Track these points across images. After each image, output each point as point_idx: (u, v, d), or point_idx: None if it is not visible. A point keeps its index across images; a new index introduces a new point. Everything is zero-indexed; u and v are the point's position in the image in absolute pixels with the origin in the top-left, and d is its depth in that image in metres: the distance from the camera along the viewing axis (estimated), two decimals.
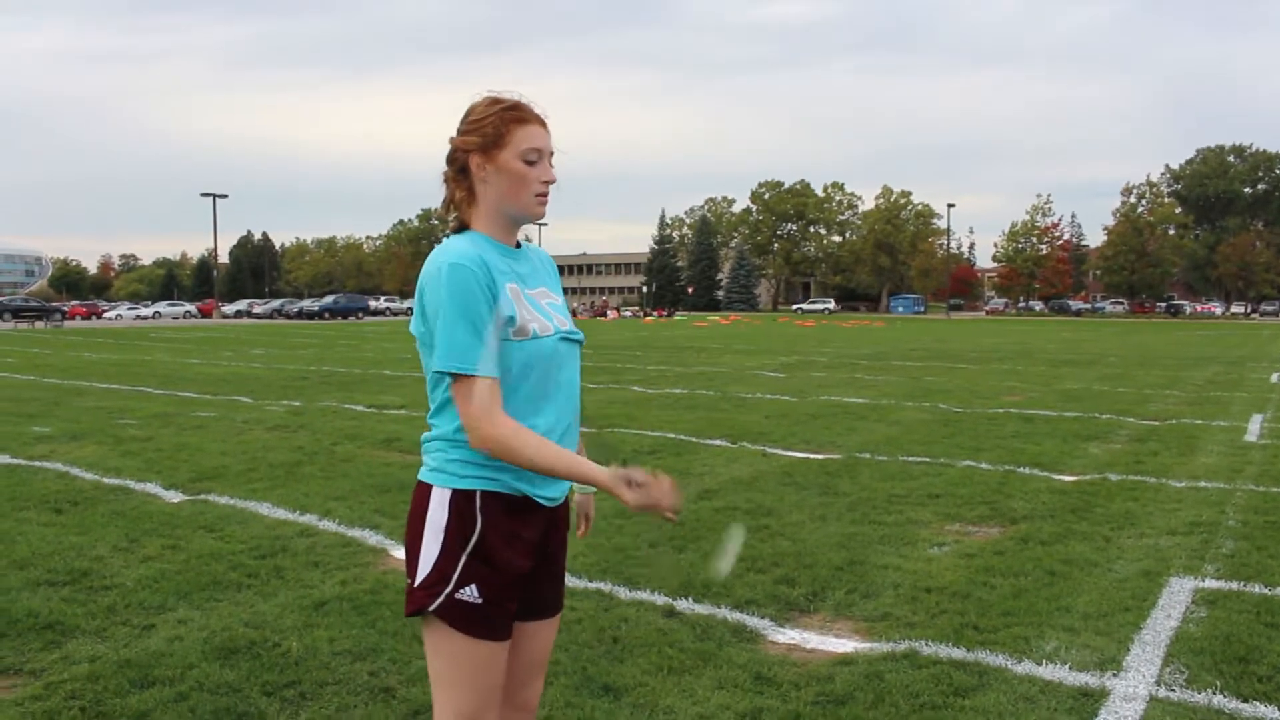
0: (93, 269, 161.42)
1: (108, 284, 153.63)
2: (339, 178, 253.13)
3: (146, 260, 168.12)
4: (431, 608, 2.19)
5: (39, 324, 55.41)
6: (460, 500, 2.20)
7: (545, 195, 2.28)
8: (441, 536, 2.19)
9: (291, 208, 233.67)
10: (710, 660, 4.07)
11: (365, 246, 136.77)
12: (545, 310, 2.28)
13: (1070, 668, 3.99)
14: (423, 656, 4.07)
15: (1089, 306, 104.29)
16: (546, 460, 2.13)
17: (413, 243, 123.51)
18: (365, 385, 16.46)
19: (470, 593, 2.18)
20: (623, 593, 4.96)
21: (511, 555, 2.22)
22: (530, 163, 2.24)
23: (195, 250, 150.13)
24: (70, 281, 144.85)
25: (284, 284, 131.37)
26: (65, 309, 72.56)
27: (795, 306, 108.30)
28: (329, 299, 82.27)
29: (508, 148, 2.22)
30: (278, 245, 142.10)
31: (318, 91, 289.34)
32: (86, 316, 74.49)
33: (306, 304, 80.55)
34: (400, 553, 5.66)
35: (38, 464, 8.62)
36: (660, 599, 4.85)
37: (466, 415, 2.12)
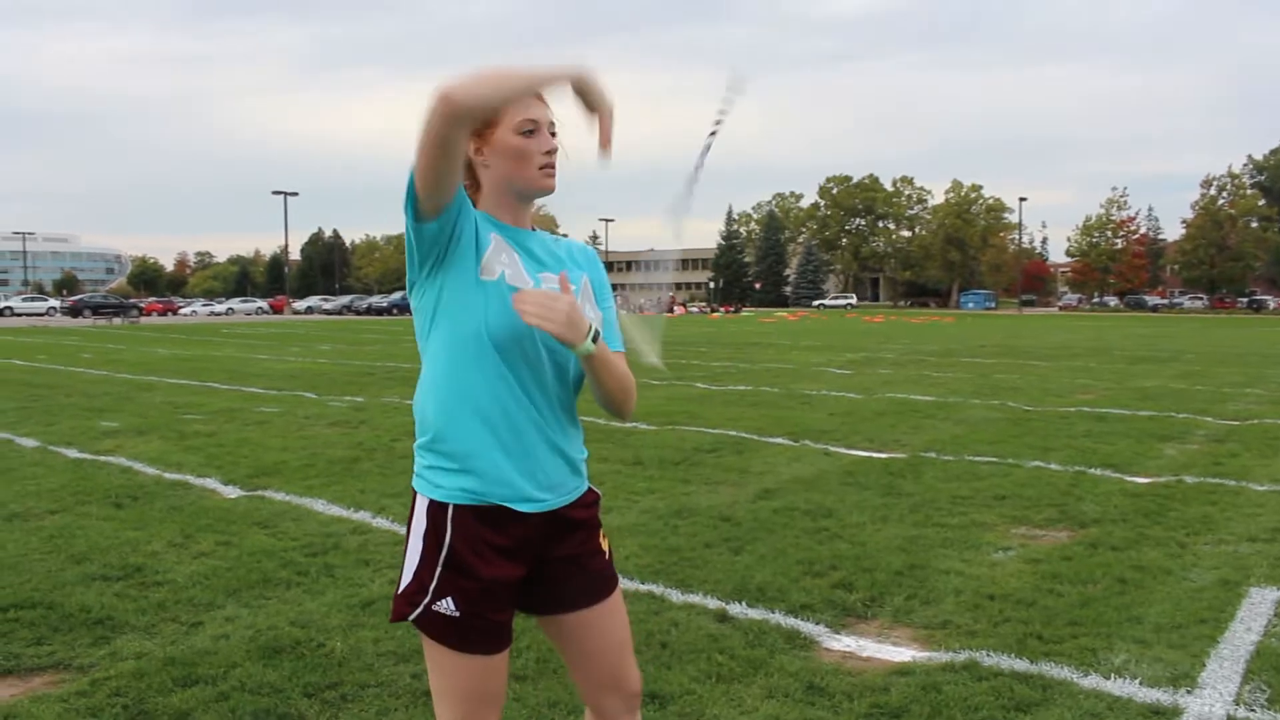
0: (169, 266, 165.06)
1: (183, 281, 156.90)
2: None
3: (221, 257, 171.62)
4: (411, 617, 2.14)
5: (115, 320, 56.67)
6: (435, 510, 2.13)
7: (551, 166, 2.16)
8: (421, 545, 2.14)
9: (361, 205, 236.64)
10: (761, 668, 3.94)
11: None
12: (539, 282, 2.15)
13: (1141, 683, 3.78)
14: None
15: (1166, 302, 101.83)
16: (517, 80, 1.99)
17: None
18: None
19: (447, 605, 2.11)
20: (675, 596, 4.85)
21: (486, 566, 2.11)
22: (528, 134, 2.13)
23: (268, 247, 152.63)
24: (148, 278, 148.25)
25: (354, 280, 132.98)
26: (142, 305, 74.39)
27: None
28: (397, 295, 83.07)
29: (501, 124, 2.12)
30: (348, 242, 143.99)
31: (384, 90, 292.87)
32: (162, 313, 76.10)
33: (375, 300, 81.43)
34: None
35: (103, 458, 8.72)
36: (713, 603, 4.73)
37: (430, 104, 1.90)
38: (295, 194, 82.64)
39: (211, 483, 7.60)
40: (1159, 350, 26.47)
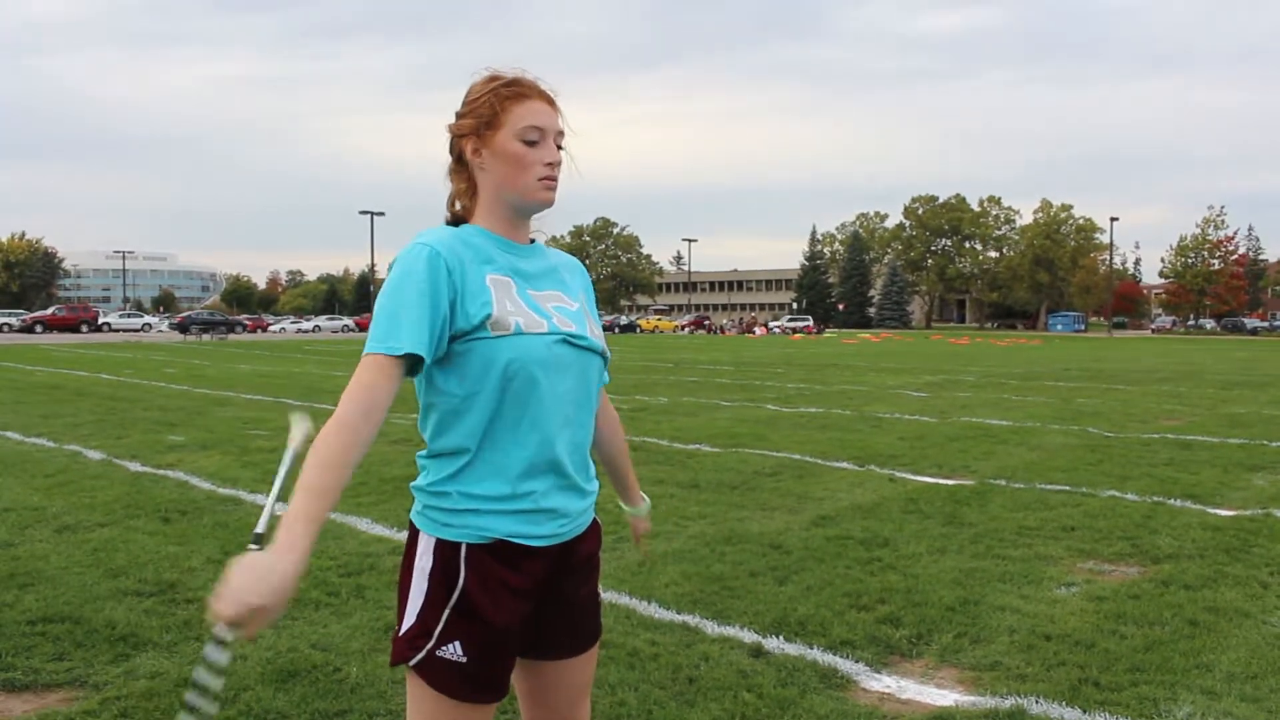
0: (261, 284, 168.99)
1: (274, 298, 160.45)
2: None
3: (311, 276, 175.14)
4: (413, 662, 1.94)
5: (205, 336, 58.02)
6: (446, 551, 1.94)
7: (551, 179, 2.01)
8: (426, 585, 1.95)
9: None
10: (789, 709, 3.70)
11: None
12: (545, 310, 1.99)
13: None
14: None
15: (1266, 325, 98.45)
16: (299, 488, 1.78)
17: None
18: None
19: (454, 650, 1.92)
20: (710, 628, 4.62)
21: (500, 611, 1.95)
22: (530, 143, 1.98)
23: (357, 266, 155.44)
24: (240, 296, 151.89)
25: None
26: (247, 322, 76.33)
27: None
28: None
29: (504, 128, 1.97)
30: None
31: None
32: (252, 330, 77.80)
33: None
34: None
35: (162, 472, 8.77)
36: (749, 636, 4.50)
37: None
38: (382, 214, 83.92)
39: (262, 499, 7.56)
40: (1255, 375, 25.43)
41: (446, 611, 1.93)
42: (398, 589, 2.01)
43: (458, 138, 2.02)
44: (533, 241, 2.10)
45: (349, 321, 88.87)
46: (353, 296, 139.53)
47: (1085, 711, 3.68)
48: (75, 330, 65.01)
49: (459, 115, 2.03)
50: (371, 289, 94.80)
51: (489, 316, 1.90)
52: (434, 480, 1.98)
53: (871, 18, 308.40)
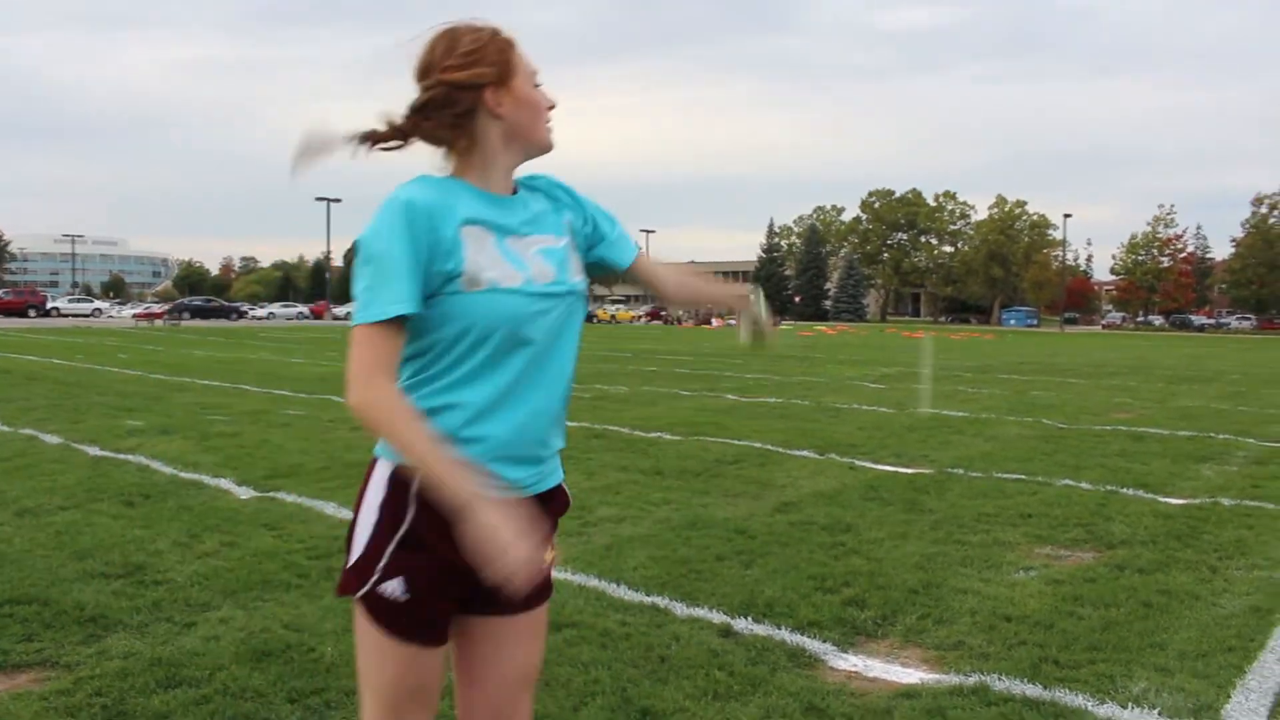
0: (214, 270, 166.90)
1: (227, 285, 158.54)
2: None
3: (265, 262, 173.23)
4: (358, 594, 1.93)
5: (158, 322, 57.31)
6: (398, 481, 1.92)
7: (551, 123, 2.05)
8: (375, 517, 1.94)
9: None
10: (760, 687, 3.78)
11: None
12: (523, 260, 1.96)
13: (1160, 713, 3.59)
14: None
15: (1213, 321, 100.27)
16: (416, 454, 1.82)
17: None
18: None
19: (395, 587, 1.90)
20: (679, 609, 4.70)
21: (446, 548, 1.89)
22: (537, 86, 2.02)
23: (312, 254, 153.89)
24: (192, 282, 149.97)
25: None
26: (244, 309, 75.23)
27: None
28: None
29: (518, 74, 1.97)
30: None
31: None
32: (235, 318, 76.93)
33: None
34: None
35: (123, 456, 8.70)
36: (718, 617, 4.58)
37: (346, 371, 1.85)
38: (338, 200, 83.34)
39: (225, 483, 7.54)
40: (1203, 370, 25.95)
41: (392, 545, 1.91)
42: (350, 523, 2.00)
43: (472, 89, 1.94)
44: (515, 191, 2.06)
45: (304, 309, 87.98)
46: (308, 284, 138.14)
47: (1046, 688, 3.79)
48: (22, 315, 63.87)
49: (460, 65, 1.94)
50: (328, 276, 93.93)
51: (460, 270, 1.88)
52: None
53: (837, 12, 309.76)
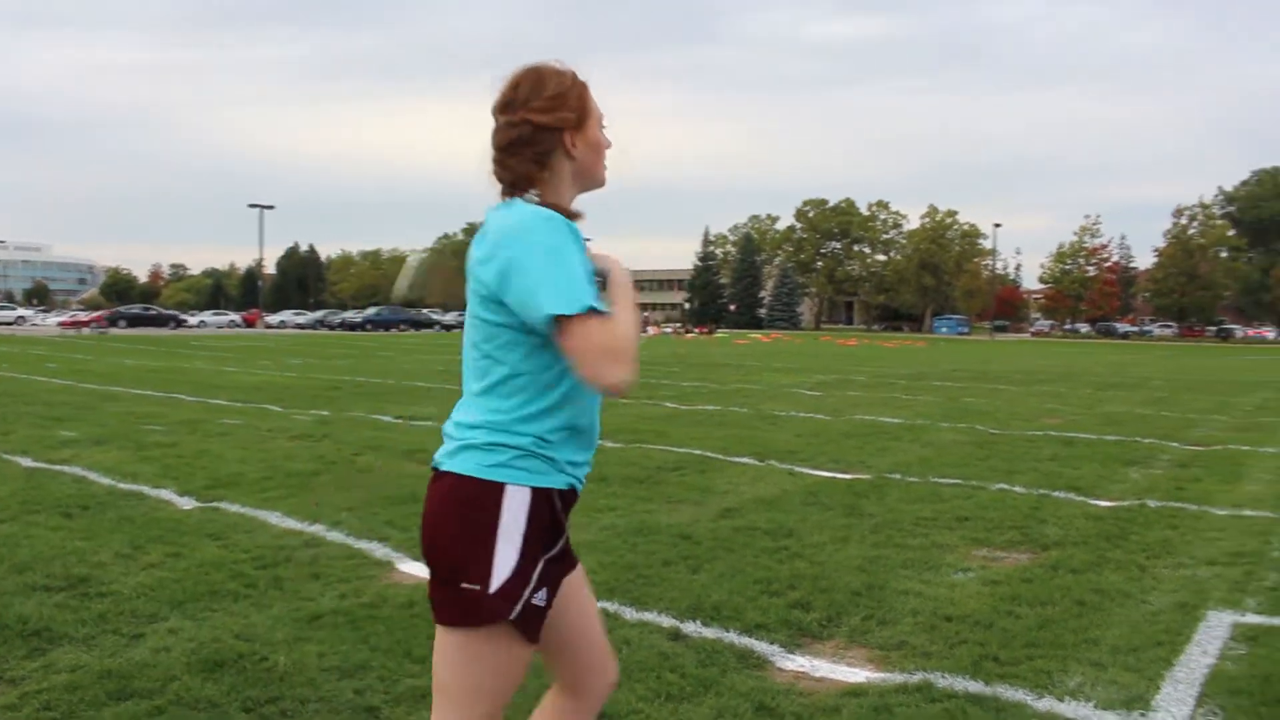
0: (143, 278, 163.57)
1: (156, 292, 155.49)
2: (385, 190, 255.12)
3: (196, 270, 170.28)
4: (511, 616, 2.02)
5: (85, 330, 56.11)
6: (540, 499, 2.05)
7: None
8: (520, 539, 2.02)
9: (338, 220, 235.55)
10: (712, 688, 3.86)
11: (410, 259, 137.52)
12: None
13: (1095, 705, 3.74)
14: (412, 675, 3.93)
15: (1136, 329, 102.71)
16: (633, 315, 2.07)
17: (457, 255, 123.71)
18: (397, 396, 16.39)
19: (541, 597, 2.06)
20: (629, 613, 4.77)
21: (566, 551, 2.18)
22: (603, 129, 2.20)
23: (244, 261, 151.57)
24: (120, 290, 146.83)
25: (329, 295, 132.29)
26: (182, 317, 73.36)
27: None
28: (371, 310, 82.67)
29: (591, 118, 2.15)
30: (324, 257, 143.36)
31: (365, 105, 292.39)
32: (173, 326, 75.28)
33: (349, 315, 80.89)
34: (407, 565, 5.51)
35: (57, 468, 8.56)
36: (667, 621, 4.65)
37: (587, 351, 1.93)
38: (271, 207, 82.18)
39: (166, 494, 7.46)
40: (1128, 377, 26.62)
41: (542, 561, 2.06)
42: (459, 553, 2.03)
43: (554, 130, 2.09)
44: None
45: (235, 317, 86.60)
46: (239, 291, 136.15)
47: (987, 684, 3.92)
48: None
49: (547, 107, 2.09)
50: (260, 284, 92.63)
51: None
52: (531, 435, 2.06)
53: (766, 25, 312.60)
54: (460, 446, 2.09)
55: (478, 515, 2.02)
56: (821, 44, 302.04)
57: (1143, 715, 3.66)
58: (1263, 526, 6.93)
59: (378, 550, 5.88)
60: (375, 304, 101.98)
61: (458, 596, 2.03)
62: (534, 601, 2.04)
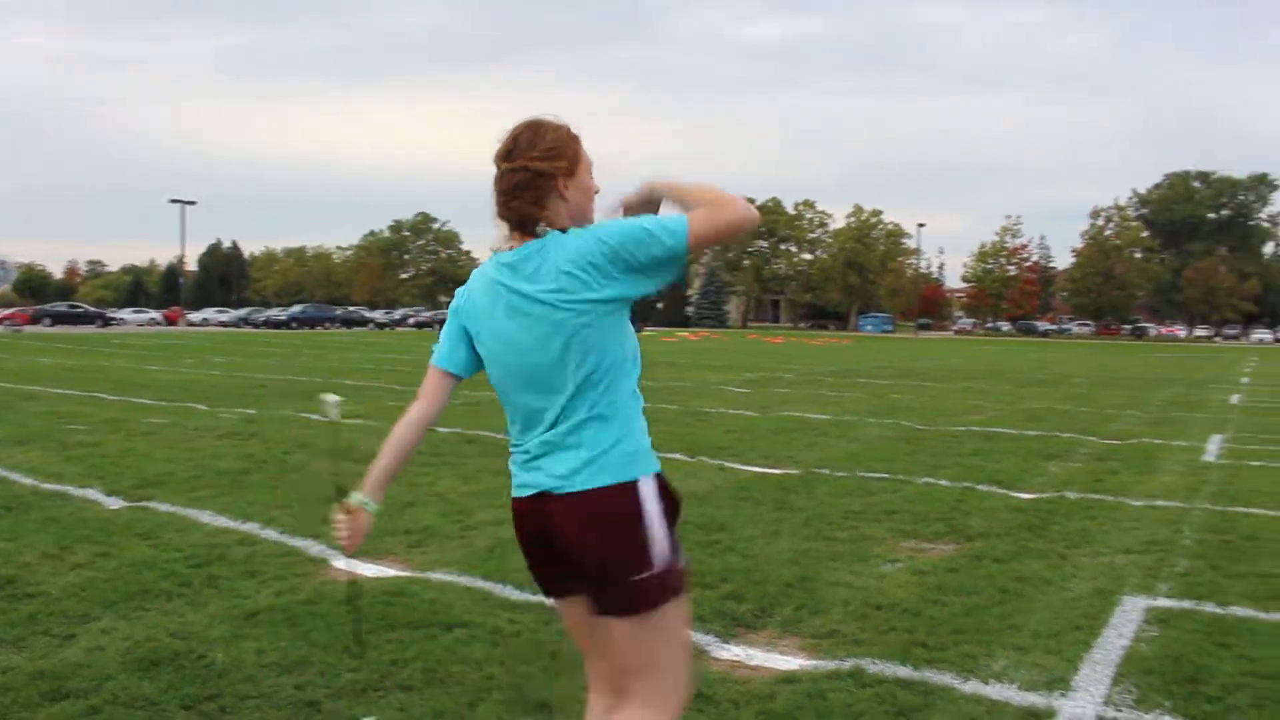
0: (58, 274, 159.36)
1: (73, 289, 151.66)
2: (310, 187, 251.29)
3: (114, 266, 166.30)
4: (682, 588, 2.35)
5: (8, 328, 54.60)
6: (661, 482, 2.34)
7: None
8: (662, 520, 2.32)
9: (261, 217, 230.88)
10: None
11: (335, 256, 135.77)
12: None
13: (1018, 687, 3.89)
14: (352, 669, 3.95)
15: (1055, 328, 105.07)
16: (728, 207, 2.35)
17: (383, 254, 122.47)
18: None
19: (684, 558, 2.39)
20: None
21: None
22: (591, 177, 2.48)
23: (165, 258, 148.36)
24: (34, 287, 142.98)
25: (252, 293, 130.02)
26: (110, 315, 71.15)
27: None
28: (296, 308, 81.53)
29: (582, 165, 2.43)
30: (247, 254, 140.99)
31: (292, 100, 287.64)
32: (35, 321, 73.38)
33: (273, 313, 79.64)
34: (343, 562, 5.52)
35: None
36: None
37: (734, 206, 2.31)
38: (193, 203, 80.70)
39: (93, 493, 7.35)
40: (1047, 374, 27.30)
41: (675, 530, 2.36)
42: (616, 553, 2.27)
43: (549, 176, 2.36)
44: None
45: (156, 315, 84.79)
46: (160, 289, 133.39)
47: (915, 669, 4.05)
48: None
49: (545, 158, 2.36)
50: (182, 281, 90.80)
51: None
52: (626, 432, 2.34)
53: (696, 25, 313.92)
54: (582, 464, 2.30)
55: (625, 513, 2.29)
56: (750, 44, 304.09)
57: (1063, 695, 3.82)
58: (1174, 516, 7.20)
59: (312, 548, 5.87)
60: (300, 301, 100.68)
61: (634, 588, 2.28)
62: (684, 566, 2.37)
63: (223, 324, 78.79)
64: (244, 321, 76.94)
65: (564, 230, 2.34)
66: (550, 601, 2.63)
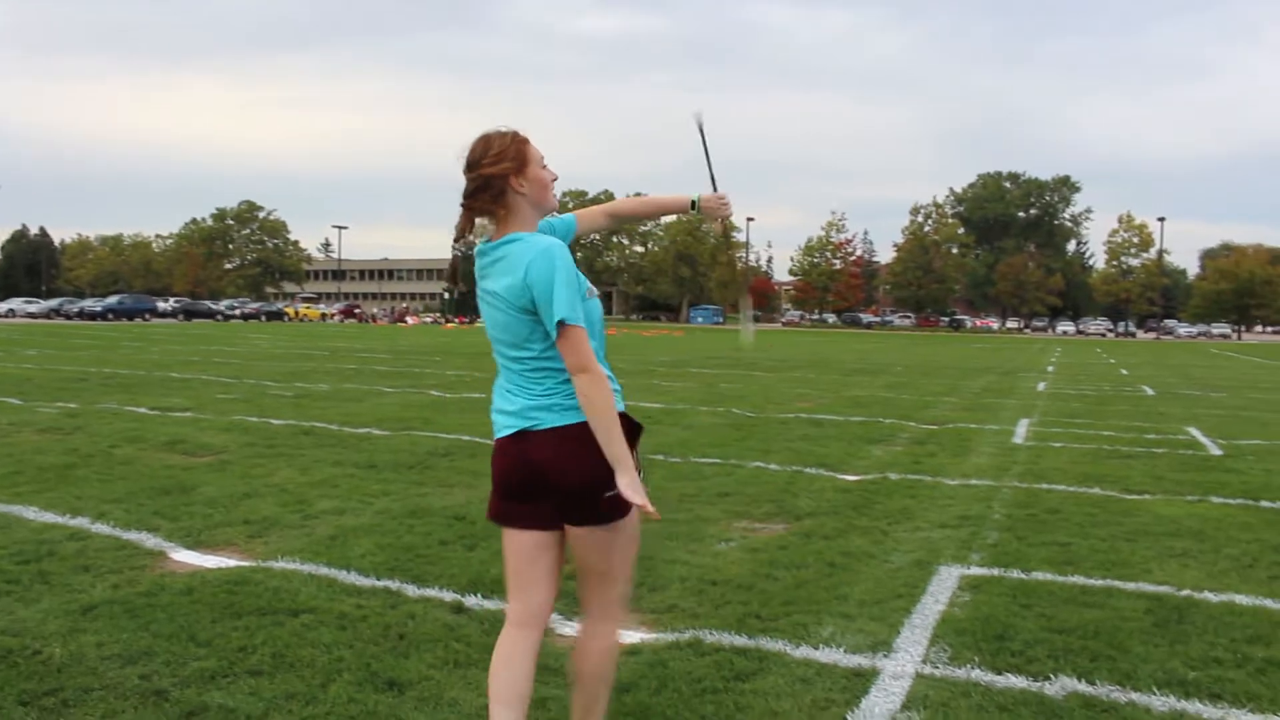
0: None
1: None
2: (127, 172, 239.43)
3: None
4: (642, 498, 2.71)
5: None
6: (623, 419, 2.74)
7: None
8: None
9: (74, 202, 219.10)
10: None
11: (155, 245, 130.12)
12: None
13: (845, 650, 4.17)
14: (198, 657, 3.95)
15: (879, 319, 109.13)
16: (614, 433, 2.65)
17: (205, 243, 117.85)
18: (149, 387, 15.67)
19: (642, 479, 2.78)
20: (411, 590, 4.90)
21: None
22: (543, 168, 2.85)
23: None
24: None
25: (64, 282, 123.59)
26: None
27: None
28: (113, 299, 77.82)
29: (531, 163, 2.81)
30: (57, 241, 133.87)
31: (109, 81, 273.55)
32: None
33: (88, 304, 75.81)
34: (181, 554, 5.46)
35: None
36: (449, 596, 4.82)
37: (578, 355, 2.64)
38: None
39: None
40: (871, 363, 28.44)
41: (636, 453, 2.80)
42: (588, 470, 2.69)
43: (501, 177, 2.76)
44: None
45: None
46: None
47: (750, 638, 4.30)
48: None
49: (493, 163, 2.76)
50: None
51: (584, 285, 2.79)
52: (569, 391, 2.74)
53: (527, 16, 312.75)
54: (543, 407, 2.74)
55: (592, 443, 2.66)
56: (581, 37, 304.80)
57: (885, 656, 4.11)
58: (985, 493, 7.72)
59: (149, 540, 5.76)
60: (116, 292, 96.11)
61: (602, 501, 2.71)
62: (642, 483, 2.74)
63: (31, 315, 74.64)
64: (55, 313, 72.98)
65: (533, 221, 2.83)
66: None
